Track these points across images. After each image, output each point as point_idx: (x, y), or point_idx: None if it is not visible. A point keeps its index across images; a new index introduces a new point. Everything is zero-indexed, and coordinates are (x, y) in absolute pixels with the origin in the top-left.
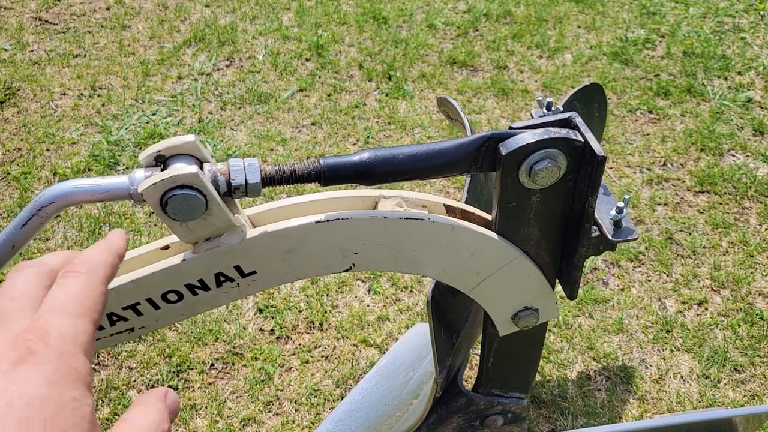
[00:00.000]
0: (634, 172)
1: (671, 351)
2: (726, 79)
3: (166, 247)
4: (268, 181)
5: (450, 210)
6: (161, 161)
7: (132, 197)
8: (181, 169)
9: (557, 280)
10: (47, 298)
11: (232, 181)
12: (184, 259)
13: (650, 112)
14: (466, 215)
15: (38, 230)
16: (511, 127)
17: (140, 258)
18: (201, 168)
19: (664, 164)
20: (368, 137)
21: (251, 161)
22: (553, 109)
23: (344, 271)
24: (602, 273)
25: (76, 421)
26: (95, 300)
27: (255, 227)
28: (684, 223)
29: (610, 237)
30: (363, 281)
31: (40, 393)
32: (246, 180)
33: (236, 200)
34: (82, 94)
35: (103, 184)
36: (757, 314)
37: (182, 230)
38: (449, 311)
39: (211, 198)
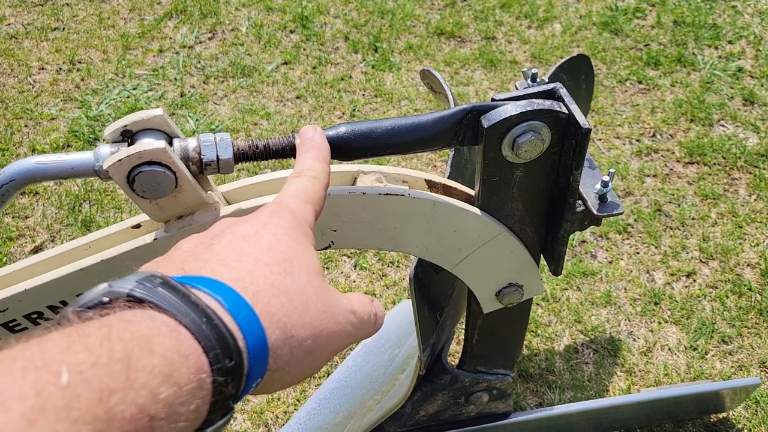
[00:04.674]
0: (624, 144)
1: (659, 323)
2: (716, 48)
3: (138, 226)
4: (241, 156)
5: (432, 185)
6: (128, 136)
7: (98, 174)
8: (148, 144)
9: (542, 256)
10: (286, 185)
11: (203, 156)
12: (155, 238)
13: (640, 82)
14: (448, 190)
15: (1, 208)
16: (493, 99)
17: (110, 237)
18: (170, 143)
19: (654, 135)
20: (354, 110)
21: (223, 136)
22: (538, 80)
23: (323, 249)
24: (590, 246)
25: (309, 268)
26: (320, 196)
27: (230, 204)
28: (673, 195)
29: (595, 211)
30: (349, 257)
31: (286, 230)
32: (218, 155)
33: (210, 177)
34: (60, 69)
35: (66, 160)
36: (745, 285)
37: (152, 208)
38: (432, 288)
39: (181, 174)
